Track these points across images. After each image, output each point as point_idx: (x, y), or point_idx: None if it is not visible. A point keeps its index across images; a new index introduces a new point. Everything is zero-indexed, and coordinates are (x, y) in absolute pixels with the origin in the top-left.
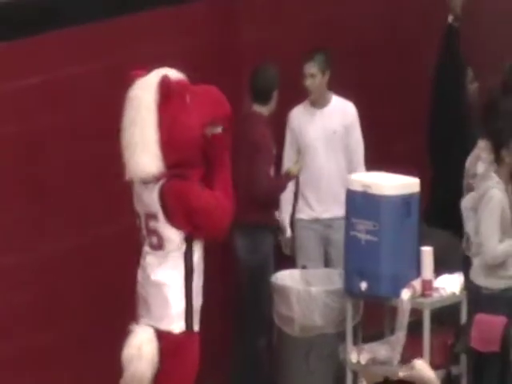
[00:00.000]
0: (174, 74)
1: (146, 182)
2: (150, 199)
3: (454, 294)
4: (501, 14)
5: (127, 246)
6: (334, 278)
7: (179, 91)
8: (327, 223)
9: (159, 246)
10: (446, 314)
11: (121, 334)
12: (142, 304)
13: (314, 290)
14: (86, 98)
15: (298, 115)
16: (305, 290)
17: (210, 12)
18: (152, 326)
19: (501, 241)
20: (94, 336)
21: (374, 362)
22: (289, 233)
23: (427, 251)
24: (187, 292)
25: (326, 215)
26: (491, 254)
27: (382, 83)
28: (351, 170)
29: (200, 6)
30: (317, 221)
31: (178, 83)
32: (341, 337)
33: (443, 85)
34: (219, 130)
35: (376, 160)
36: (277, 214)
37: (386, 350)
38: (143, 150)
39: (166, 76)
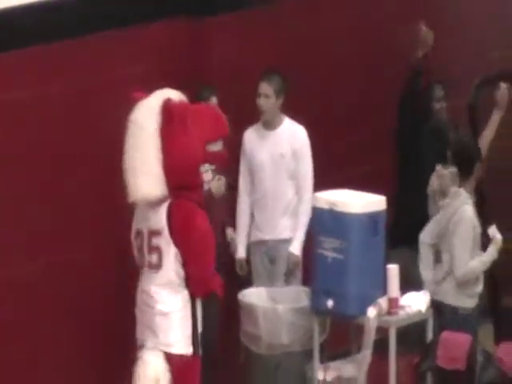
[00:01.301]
0: (174, 95)
1: (150, 203)
2: (156, 217)
3: (419, 311)
4: (470, 34)
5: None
6: (301, 295)
7: (181, 114)
8: (272, 245)
9: (159, 264)
10: (412, 333)
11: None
12: (143, 328)
13: (280, 307)
14: (46, 120)
15: (251, 136)
16: (271, 308)
17: (179, 31)
18: (161, 350)
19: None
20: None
21: (340, 380)
22: (240, 253)
23: (393, 269)
24: (193, 317)
25: (270, 237)
26: (462, 271)
27: (346, 103)
28: (299, 196)
29: (169, 25)
30: (263, 242)
31: (180, 106)
32: (307, 355)
33: (406, 113)
34: (219, 146)
35: (340, 181)
36: (228, 233)
37: (352, 368)
38: (145, 174)
39: (168, 100)
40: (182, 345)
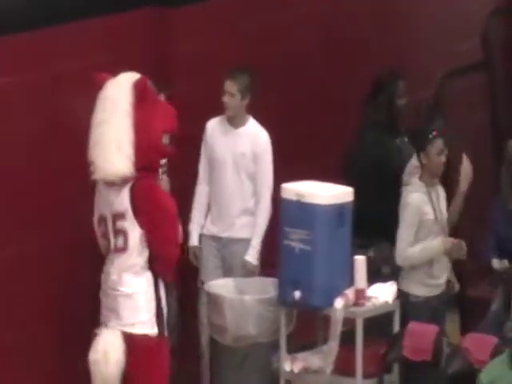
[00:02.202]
0: (144, 77)
1: (111, 184)
2: (118, 199)
3: (386, 303)
4: (434, 28)
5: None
6: (268, 287)
7: (152, 94)
8: (224, 243)
9: (124, 247)
10: (378, 323)
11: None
12: (107, 311)
13: (247, 298)
14: (18, 108)
15: (214, 127)
16: (238, 298)
17: (144, 22)
18: (122, 331)
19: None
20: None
21: (307, 371)
22: (193, 241)
23: (360, 260)
24: (157, 298)
25: (223, 234)
26: (400, 255)
27: (310, 96)
28: (257, 202)
29: (134, 16)
30: (215, 238)
31: (151, 87)
32: (274, 346)
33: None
34: (165, 141)
35: (307, 173)
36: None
37: (319, 359)
38: (116, 151)
39: (143, 78)
40: (147, 325)
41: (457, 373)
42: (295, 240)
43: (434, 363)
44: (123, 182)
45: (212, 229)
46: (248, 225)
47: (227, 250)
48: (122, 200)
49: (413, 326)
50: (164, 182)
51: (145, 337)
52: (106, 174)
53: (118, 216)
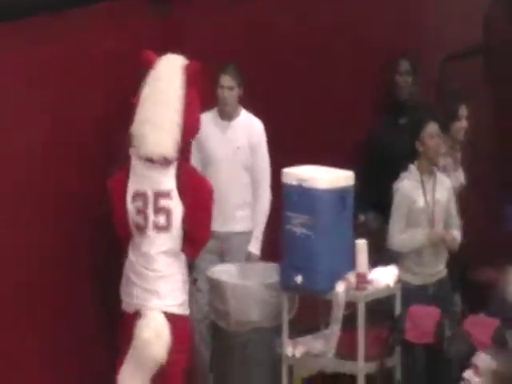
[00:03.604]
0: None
1: (152, 161)
2: (164, 178)
3: (388, 286)
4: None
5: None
6: (270, 272)
7: (200, 81)
8: (223, 237)
9: (167, 226)
10: (381, 306)
11: None
12: (144, 292)
13: (249, 284)
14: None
15: (206, 122)
16: (240, 284)
17: (151, 13)
18: (164, 311)
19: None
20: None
21: (309, 355)
22: None
23: (361, 244)
24: (188, 282)
25: (222, 229)
26: (390, 241)
27: (308, 93)
28: (256, 192)
29: (142, 7)
30: (213, 233)
31: (200, 73)
32: (276, 331)
33: None
34: None
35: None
36: None
37: (321, 344)
38: (168, 132)
39: (194, 62)
40: (184, 306)
41: (458, 355)
42: (297, 225)
43: (436, 346)
44: (166, 161)
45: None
46: (247, 217)
47: (227, 245)
48: (168, 179)
49: (414, 309)
50: None
51: (184, 317)
52: (154, 152)
53: (163, 194)
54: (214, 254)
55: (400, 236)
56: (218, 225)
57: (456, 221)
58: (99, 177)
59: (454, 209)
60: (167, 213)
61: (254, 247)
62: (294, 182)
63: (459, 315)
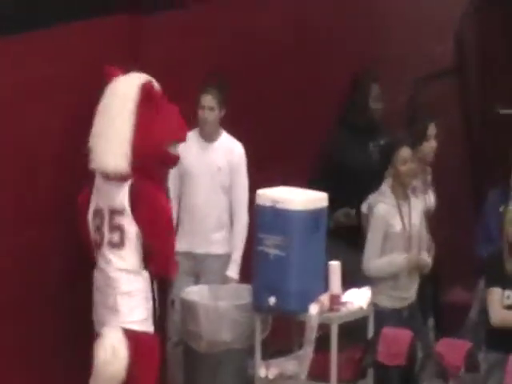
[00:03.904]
0: (152, 81)
1: (108, 178)
2: (118, 196)
3: (361, 308)
4: (407, 31)
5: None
6: (243, 293)
7: (159, 99)
8: (200, 259)
9: (120, 243)
10: (354, 329)
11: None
12: (104, 310)
13: (222, 305)
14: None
15: (187, 142)
16: (213, 305)
17: (116, 29)
18: (123, 328)
19: (384, 255)
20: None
21: (282, 376)
22: None
23: (335, 265)
24: (153, 298)
25: (199, 250)
26: (365, 265)
27: (283, 102)
28: (234, 215)
29: (107, 23)
30: (188, 255)
31: (159, 92)
32: (249, 352)
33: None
34: (175, 150)
35: (281, 176)
36: None
37: (293, 365)
38: (116, 146)
39: (150, 81)
40: (146, 323)
41: (430, 378)
42: (270, 246)
43: (408, 368)
44: (121, 178)
45: (185, 245)
46: (224, 240)
47: (202, 267)
48: (123, 197)
49: (387, 331)
50: None
51: (144, 334)
52: (105, 167)
53: (117, 211)
54: (189, 275)
55: (376, 261)
56: (194, 246)
57: (426, 245)
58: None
59: (425, 232)
60: (121, 230)
61: (233, 271)
62: (268, 204)
63: (432, 339)
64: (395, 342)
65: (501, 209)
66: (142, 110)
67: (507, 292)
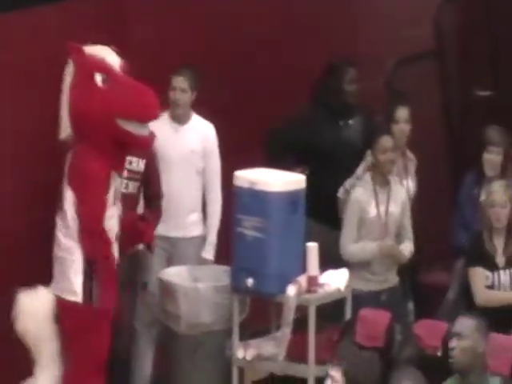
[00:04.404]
0: (106, 53)
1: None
2: (67, 162)
3: (338, 289)
4: (385, 15)
5: None
6: (221, 274)
7: (87, 69)
8: (172, 242)
9: (61, 208)
10: (331, 310)
11: None
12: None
13: (201, 286)
14: None
15: (156, 126)
16: (192, 286)
17: (98, 11)
18: (55, 295)
19: (360, 240)
20: None
21: (259, 357)
22: None
23: (312, 247)
24: (89, 267)
25: (172, 234)
26: (341, 250)
27: (256, 89)
28: (208, 196)
29: (88, 5)
30: (162, 238)
31: (89, 61)
32: (228, 333)
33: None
34: (146, 131)
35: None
36: None
37: (271, 346)
38: (63, 114)
39: (78, 50)
40: (74, 294)
41: (408, 359)
42: (248, 227)
43: (386, 350)
44: (66, 144)
45: (159, 229)
46: (198, 222)
47: (177, 250)
48: (67, 163)
49: (365, 312)
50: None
51: (74, 304)
52: (58, 136)
53: (64, 177)
54: (162, 258)
55: (351, 245)
56: (169, 229)
57: (409, 233)
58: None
59: (408, 221)
60: (62, 196)
61: (209, 253)
62: (246, 185)
63: (412, 322)
64: (373, 323)
65: (475, 191)
66: (74, 77)
67: (486, 273)
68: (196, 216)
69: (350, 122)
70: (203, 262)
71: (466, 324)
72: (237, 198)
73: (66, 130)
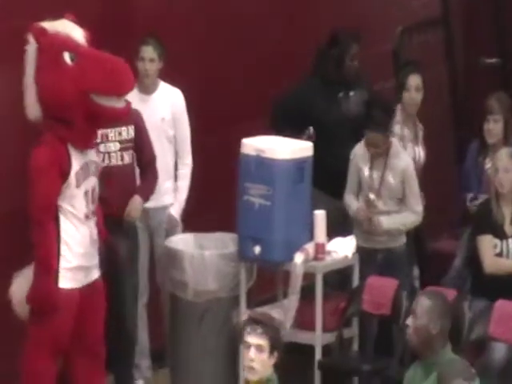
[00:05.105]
0: (69, 28)
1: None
2: None
3: (346, 257)
4: None
5: None
6: (228, 242)
7: (54, 49)
8: (153, 214)
9: None
10: (338, 277)
11: None
12: None
13: (207, 253)
14: None
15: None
16: (198, 254)
17: None
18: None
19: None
20: None
21: None
22: None
23: (320, 215)
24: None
25: (151, 204)
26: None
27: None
28: (179, 160)
29: None
30: (143, 210)
31: (53, 39)
32: (234, 301)
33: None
34: (122, 103)
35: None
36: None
37: (279, 314)
38: (28, 96)
39: (40, 29)
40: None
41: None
42: (255, 195)
43: (393, 317)
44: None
45: None
46: (171, 189)
47: (155, 222)
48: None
49: (372, 279)
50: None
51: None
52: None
53: None
54: (144, 230)
55: (347, 196)
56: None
57: (412, 205)
58: None
59: (411, 189)
60: None
61: (175, 210)
62: (252, 153)
63: (418, 288)
64: (380, 290)
65: (480, 159)
66: (40, 57)
67: (495, 241)
68: (170, 184)
69: (351, 93)
70: (169, 219)
71: (421, 303)
72: (243, 165)
73: (32, 113)
